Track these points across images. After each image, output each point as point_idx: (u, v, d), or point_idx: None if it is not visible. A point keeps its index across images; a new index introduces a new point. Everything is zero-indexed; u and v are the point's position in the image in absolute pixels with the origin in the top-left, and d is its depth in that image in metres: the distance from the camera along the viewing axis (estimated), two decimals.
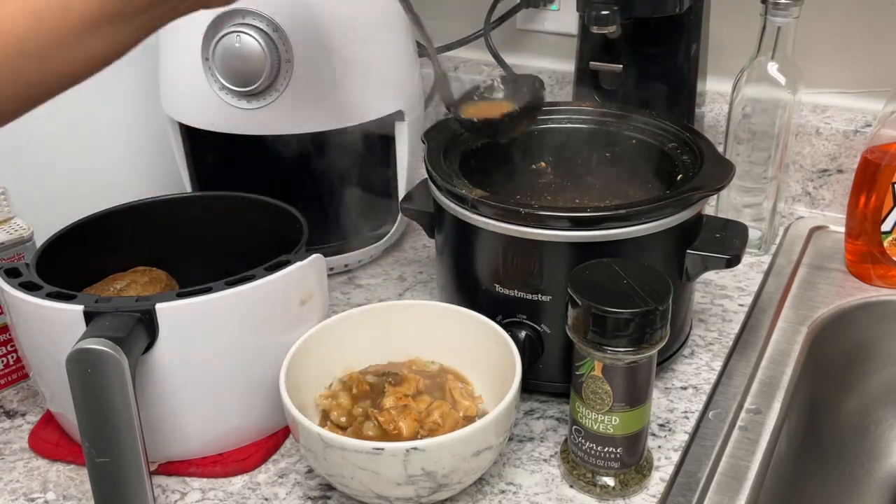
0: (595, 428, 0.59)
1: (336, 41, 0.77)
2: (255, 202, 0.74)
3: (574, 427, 0.61)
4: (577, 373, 0.59)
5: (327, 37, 0.77)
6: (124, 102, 0.93)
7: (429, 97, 1.03)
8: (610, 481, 0.61)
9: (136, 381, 0.55)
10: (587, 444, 0.60)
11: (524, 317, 0.66)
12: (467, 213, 0.66)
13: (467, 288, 0.70)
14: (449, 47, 1.03)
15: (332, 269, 0.87)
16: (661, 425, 0.67)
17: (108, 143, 0.92)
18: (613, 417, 0.58)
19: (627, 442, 0.59)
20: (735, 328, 0.79)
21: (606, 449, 0.59)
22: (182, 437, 0.63)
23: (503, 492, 0.62)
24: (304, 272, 0.63)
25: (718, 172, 0.68)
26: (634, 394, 0.58)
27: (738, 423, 0.69)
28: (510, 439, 0.66)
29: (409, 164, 0.87)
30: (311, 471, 0.64)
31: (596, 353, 0.57)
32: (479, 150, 0.76)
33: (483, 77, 1.11)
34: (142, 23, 0.52)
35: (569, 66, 0.97)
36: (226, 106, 0.77)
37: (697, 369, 0.74)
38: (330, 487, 0.62)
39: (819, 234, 0.94)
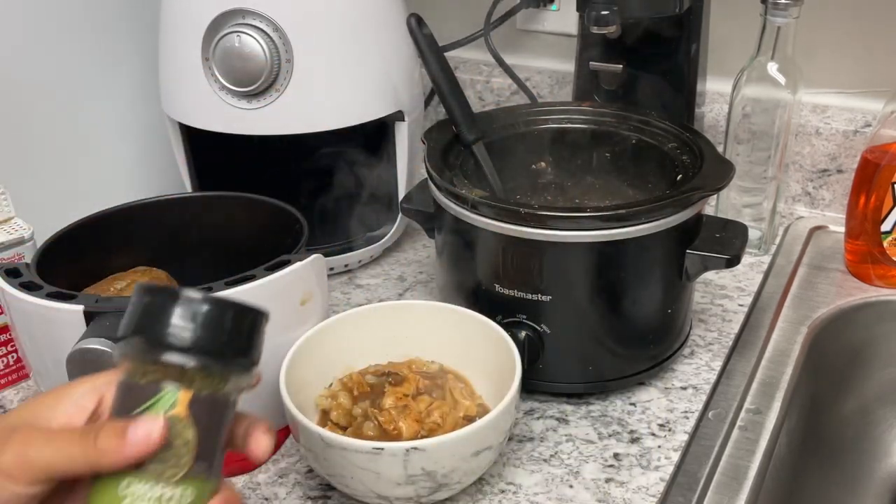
0: None
1: (336, 41, 0.77)
2: (255, 202, 0.74)
3: None
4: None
5: (327, 37, 0.77)
6: (124, 102, 0.93)
7: (429, 97, 1.03)
8: None
9: None
10: None
11: (524, 317, 0.66)
12: (467, 213, 0.66)
13: (467, 288, 0.70)
14: (449, 47, 1.03)
15: (332, 269, 0.87)
16: (661, 425, 0.67)
17: (108, 143, 0.93)
18: (188, 490, 0.36)
19: None
20: (735, 328, 0.79)
21: None
22: None
23: (503, 492, 0.62)
24: (304, 272, 0.63)
25: (718, 172, 0.68)
26: (219, 447, 0.37)
27: (738, 423, 0.68)
28: (510, 439, 0.66)
29: (409, 164, 0.87)
30: (311, 471, 0.64)
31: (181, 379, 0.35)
32: None
33: (483, 77, 1.12)
34: None
35: (569, 66, 0.97)
36: (226, 106, 0.77)
37: (697, 369, 0.74)
38: (330, 487, 0.62)
39: (819, 234, 0.94)
